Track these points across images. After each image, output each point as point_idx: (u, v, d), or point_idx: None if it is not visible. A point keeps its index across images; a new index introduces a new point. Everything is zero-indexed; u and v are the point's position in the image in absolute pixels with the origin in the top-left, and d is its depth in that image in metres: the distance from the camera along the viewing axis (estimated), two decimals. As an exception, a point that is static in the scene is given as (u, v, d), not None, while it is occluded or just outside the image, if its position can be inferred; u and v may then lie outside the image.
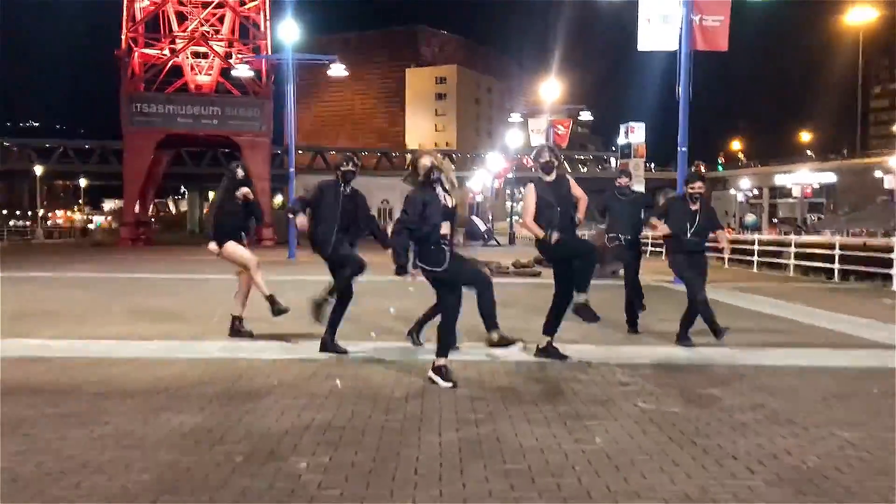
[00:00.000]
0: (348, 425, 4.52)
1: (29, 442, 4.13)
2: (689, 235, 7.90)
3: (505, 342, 5.90)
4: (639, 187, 26.80)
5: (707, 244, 8.33)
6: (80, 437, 4.24)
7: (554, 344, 6.88)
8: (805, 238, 31.87)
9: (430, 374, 5.72)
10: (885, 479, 3.70)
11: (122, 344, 7.30)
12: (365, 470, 3.73)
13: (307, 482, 3.55)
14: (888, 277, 16.29)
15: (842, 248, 19.00)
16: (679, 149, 17.06)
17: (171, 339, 7.61)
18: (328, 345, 6.85)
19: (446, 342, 5.80)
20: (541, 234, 6.54)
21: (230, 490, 3.44)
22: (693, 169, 8.44)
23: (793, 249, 20.97)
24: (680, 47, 16.75)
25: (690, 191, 8.15)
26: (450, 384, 5.56)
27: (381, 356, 6.78)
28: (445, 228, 5.85)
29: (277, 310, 7.43)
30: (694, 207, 8.13)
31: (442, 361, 5.73)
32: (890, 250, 16.58)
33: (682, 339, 7.77)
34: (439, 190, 5.87)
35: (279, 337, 7.63)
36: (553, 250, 6.56)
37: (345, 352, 6.80)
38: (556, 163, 6.71)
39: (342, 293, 6.93)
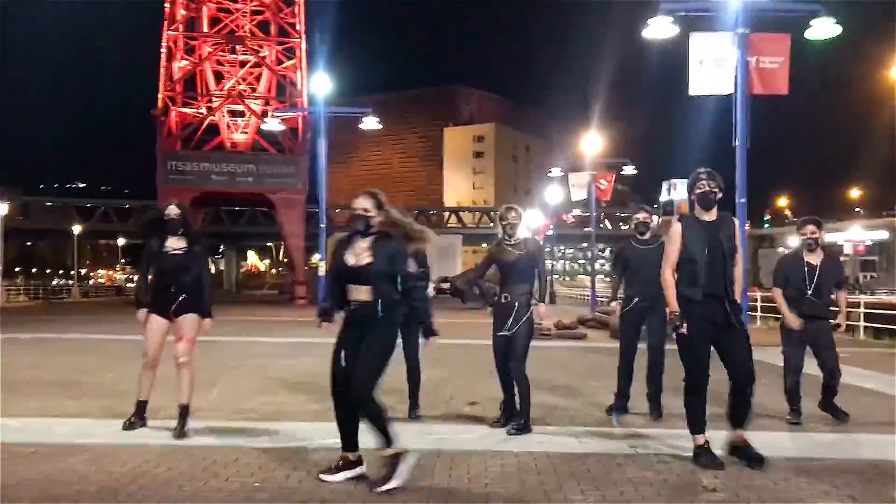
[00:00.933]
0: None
1: None
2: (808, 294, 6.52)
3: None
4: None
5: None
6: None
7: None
8: (873, 298, 30.04)
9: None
10: None
11: (92, 424, 6.13)
12: None
13: None
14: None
15: (915, 307, 17.43)
16: (738, 200, 15.65)
17: (154, 418, 6.43)
18: None
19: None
20: (673, 300, 5.04)
21: None
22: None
23: (862, 310, 19.33)
24: (735, 91, 15.55)
25: (806, 237, 6.67)
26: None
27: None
28: (353, 293, 4.52)
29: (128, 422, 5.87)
30: (813, 261, 6.66)
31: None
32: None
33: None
34: (361, 242, 4.53)
35: (273, 416, 6.41)
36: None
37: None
38: (712, 193, 5.07)
39: None
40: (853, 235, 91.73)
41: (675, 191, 44.90)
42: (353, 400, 4.35)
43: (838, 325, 6.83)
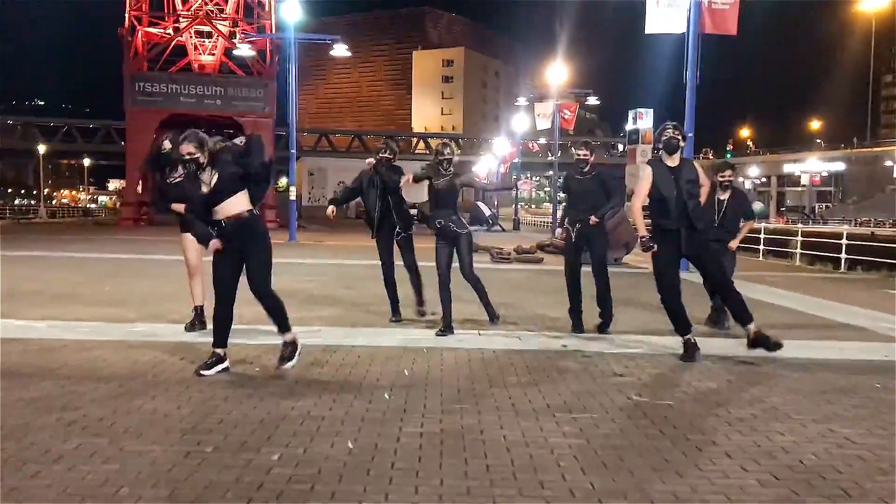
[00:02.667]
0: (328, 415, 4.35)
1: (-7, 428, 3.96)
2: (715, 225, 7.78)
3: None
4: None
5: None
6: (47, 423, 4.08)
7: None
8: (812, 227, 31.59)
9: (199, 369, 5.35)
10: (886, 479, 3.51)
11: (106, 326, 7.13)
12: (339, 463, 3.56)
13: (277, 476, 3.38)
14: (895, 267, 16.09)
15: (849, 237, 18.79)
16: (685, 134, 16.73)
17: (157, 321, 7.43)
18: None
19: (216, 332, 5.43)
20: (643, 229, 6.15)
21: (193, 484, 3.27)
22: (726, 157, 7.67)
23: (799, 238, 20.77)
24: (688, 30, 16.42)
25: (721, 179, 7.91)
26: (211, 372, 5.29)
27: (372, 342, 6.60)
28: (222, 211, 5.25)
29: (192, 325, 6.92)
30: (722, 197, 7.94)
31: (217, 352, 5.40)
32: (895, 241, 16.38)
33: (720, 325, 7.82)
34: (205, 175, 5.25)
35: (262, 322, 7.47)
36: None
37: None
38: (681, 142, 6.18)
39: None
40: (809, 167, 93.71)
41: (641, 120, 45.69)
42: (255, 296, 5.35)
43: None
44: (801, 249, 20.18)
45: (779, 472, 3.57)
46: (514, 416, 4.41)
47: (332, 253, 18.42)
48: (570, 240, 7.48)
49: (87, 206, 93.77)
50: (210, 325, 5.75)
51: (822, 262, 19.39)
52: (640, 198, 6.24)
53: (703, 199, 6.35)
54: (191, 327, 6.88)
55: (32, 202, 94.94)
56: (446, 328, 6.99)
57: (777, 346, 6.01)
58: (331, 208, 8.01)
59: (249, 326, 6.73)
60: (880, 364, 6.24)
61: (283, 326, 5.45)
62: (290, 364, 5.35)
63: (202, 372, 5.28)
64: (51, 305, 8.46)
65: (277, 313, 5.44)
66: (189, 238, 6.81)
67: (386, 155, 7.60)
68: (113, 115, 70.51)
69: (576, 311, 7.46)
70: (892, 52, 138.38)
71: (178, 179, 6.64)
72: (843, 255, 17.78)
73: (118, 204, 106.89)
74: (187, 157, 5.21)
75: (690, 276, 8.53)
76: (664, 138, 6.17)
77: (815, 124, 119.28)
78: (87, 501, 3.07)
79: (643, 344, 6.78)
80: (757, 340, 6.08)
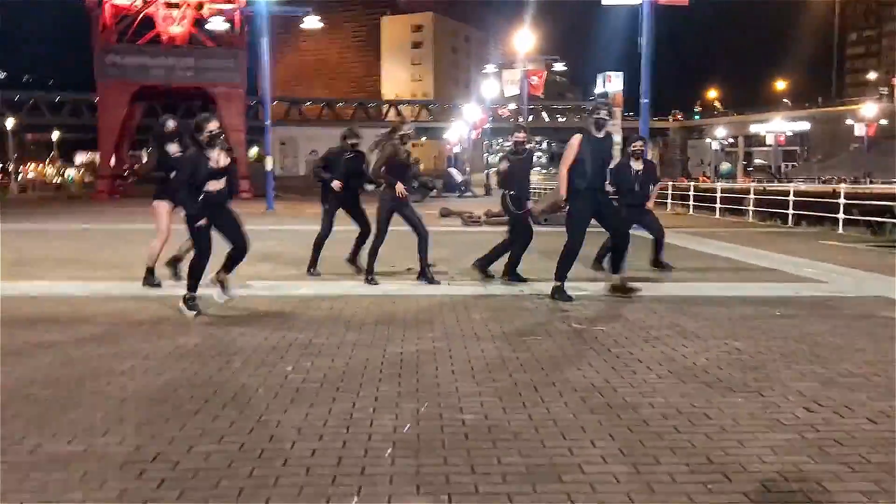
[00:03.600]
0: (325, 342, 5.40)
1: (58, 361, 4.96)
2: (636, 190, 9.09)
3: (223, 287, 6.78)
4: (617, 136, 27.43)
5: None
6: (104, 353, 5.09)
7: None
8: (760, 186, 32.94)
9: (180, 304, 6.47)
10: (753, 372, 4.64)
11: (122, 284, 8.09)
12: (339, 372, 4.62)
13: (293, 380, 4.44)
14: (837, 221, 17.37)
15: (795, 194, 20.05)
16: (641, 100, 17.86)
17: (167, 279, 8.41)
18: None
19: (194, 279, 6.49)
20: (565, 192, 7.23)
21: (229, 386, 4.31)
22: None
23: (752, 197, 22.04)
24: (642, 2, 17.42)
25: (633, 149, 9.20)
26: (194, 313, 6.38)
27: (358, 292, 7.65)
28: (214, 185, 6.39)
29: (147, 282, 7.84)
30: (636, 167, 9.25)
31: (189, 294, 6.48)
32: (837, 196, 17.64)
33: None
34: (214, 152, 6.36)
35: (261, 277, 8.48)
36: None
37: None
38: (606, 120, 7.22)
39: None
40: (775, 127, 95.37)
41: (610, 83, 46.46)
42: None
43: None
44: (754, 207, 21.46)
45: (674, 370, 4.69)
46: (475, 340, 5.49)
47: (312, 221, 19.33)
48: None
49: (59, 180, 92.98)
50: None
51: (773, 218, 20.67)
52: (567, 164, 7.27)
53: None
54: (151, 282, 7.85)
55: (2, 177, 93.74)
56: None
57: (633, 290, 7.38)
58: (337, 182, 8.85)
59: (248, 282, 7.74)
60: (787, 298, 7.40)
61: (228, 268, 6.77)
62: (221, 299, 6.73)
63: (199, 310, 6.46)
64: (63, 270, 9.39)
65: (235, 262, 6.78)
66: (162, 205, 7.84)
67: (352, 140, 8.76)
68: (78, 87, 70.17)
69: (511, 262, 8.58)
70: (856, 11, 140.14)
71: (177, 154, 7.63)
72: (791, 212, 19.04)
73: (86, 178, 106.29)
74: (216, 131, 6.29)
75: (638, 232, 9.63)
76: (595, 117, 7.26)
77: (781, 84, 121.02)
78: (156, 396, 4.09)
79: (589, 289, 7.88)
80: (620, 287, 7.45)
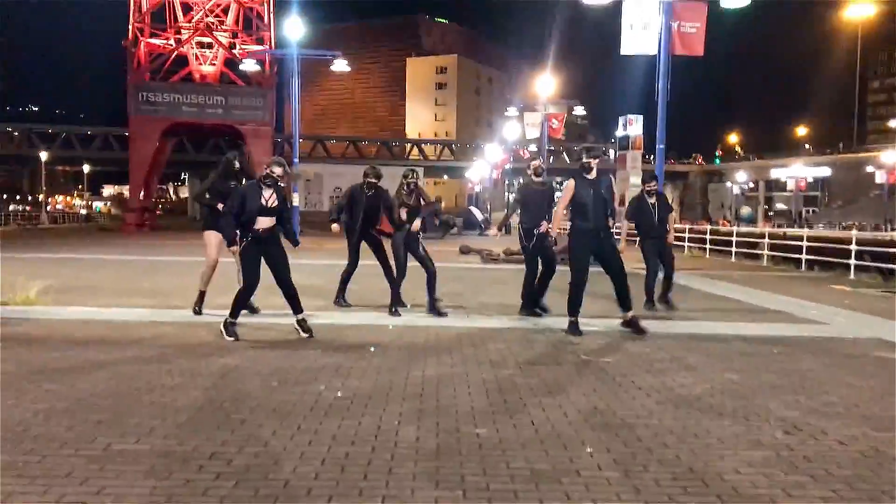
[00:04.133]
0: (355, 365, 5.92)
1: (114, 377, 5.51)
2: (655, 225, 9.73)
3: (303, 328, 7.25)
4: (635, 178, 27.92)
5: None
6: (158, 370, 5.64)
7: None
8: (777, 230, 33.25)
9: (220, 328, 7.07)
10: (743, 401, 5.10)
11: (163, 311, 8.68)
12: (367, 392, 5.13)
13: (325, 398, 4.95)
14: (849, 267, 17.70)
15: (809, 239, 20.41)
16: (657, 146, 18.41)
17: (205, 307, 8.97)
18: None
19: (237, 307, 7.14)
20: (556, 229, 8.22)
21: (271, 400, 4.83)
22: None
23: (766, 241, 22.43)
24: (659, 52, 18.04)
25: (647, 188, 9.79)
26: (232, 338, 6.92)
27: (383, 322, 8.18)
28: (264, 222, 7.02)
29: (196, 310, 8.45)
30: (652, 202, 9.85)
31: (230, 320, 7.08)
32: (850, 242, 17.99)
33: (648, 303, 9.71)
34: (267, 192, 7.01)
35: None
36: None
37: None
38: (591, 164, 7.79)
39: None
40: (796, 172, 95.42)
41: (631, 126, 46.98)
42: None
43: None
44: (769, 251, 21.84)
45: (671, 398, 5.16)
46: (490, 367, 5.99)
47: (333, 255, 19.96)
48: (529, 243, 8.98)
49: (86, 211, 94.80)
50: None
51: (788, 262, 21.02)
52: (562, 205, 8.05)
53: (616, 203, 8.05)
54: (199, 311, 8.43)
55: (27, 208, 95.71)
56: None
57: (643, 331, 7.75)
58: (335, 225, 9.55)
59: (281, 311, 8.28)
60: (787, 338, 7.83)
61: (297, 309, 7.28)
62: (306, 335, 7.14)
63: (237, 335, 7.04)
64: (106, 297, 10.01)
65: (294, 300, 7.29)
66: (211, 235, 8.45)
67: (371, 179, 9.24)
68: (109, 121, 71.86)
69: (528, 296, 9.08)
70: (878, 59, 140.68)
71: (233, 186, 8.30)
72: (804, 256, 19.40)
73: (112, 210, 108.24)
74: (277, 177, 6.99)
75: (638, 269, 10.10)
76: (580, 164, 7.95)
77: (802, 130, 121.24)
78: (207, 406, 4.61)
79: (598, 324, 8.35)
80: (629, 323, 7.87)
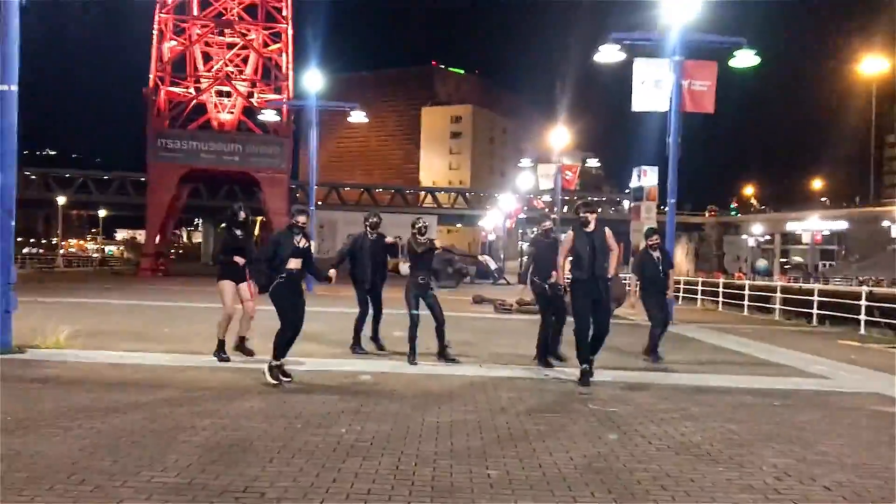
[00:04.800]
0: (373, 410, 6.27)
1: (149, 417, 5.88)
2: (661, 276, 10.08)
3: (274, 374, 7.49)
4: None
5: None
6: (183, 411, 6.01)
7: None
8: (791, 285, 33.41)
9: (264, 369, 7.48)
10: (740, 449, 5.41)
11: (188, 356, 9.07)
12: (385, 435, 5.47)
13: (346, 439, 5.30)
14: (859, 322, 17.90)
15: (821, 294, 20.64)
16: (668, 200, 18.82)
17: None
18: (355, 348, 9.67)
19: (280, 349, 7.56)
20: (561, 277, 8.46)
21: (295, 441, 5.18)
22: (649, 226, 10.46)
23: (779, 295, 22.64)
24: (670, 109, 18.55)
25: (650, 242, 10.19)
26: (276, 382, 7.34)
27: (399, 370, 8.54)
28: (294, 264, 7.62)
29: (220, 356, 8.76)
30: (655, 255, 10.23)
31: (274, 363, 7.50)
32: (859, 298, 18.21)
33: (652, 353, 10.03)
34: (297, 236, 7.66)
35: (309, 354, 9.42)
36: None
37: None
38: (588, 218, 8.16)
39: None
40: (812, 225, 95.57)
41: (645, 177, 47.41)
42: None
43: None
44: (781, 305, 22.06)
45: (672, 445, 5.47)
46: (502, 414, 6.32)
47: (348, 303, 20.35)
48: (543, 294, 9.42)
49: (100, 255, 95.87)
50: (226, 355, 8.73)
51: (799, 316, 21.23)
52: (563, 254, 8.47)
53: (613, 261, 8.31)
54: (223, 357, 8.78)
55: (41, 251, 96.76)
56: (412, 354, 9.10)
57: (586, 384, 7.92)
58: (332, 271, 9.97)
59: (301, 358, 8.68)
60: (788, 391, 8.11)
61: (281, 354, 7.63)
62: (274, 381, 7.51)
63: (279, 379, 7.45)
64: (129, 341, 10.43)
65: (290, 345, 7.75)
66: (227, 284, 8.88)
67: (374, 220, 9.98)
68: (125, 166, 72.99)
69: (544, 346, 9.44)
70: (894, 113, 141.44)
71: (240, 236, 8.76)
72: (815, 311, 19.62)
73: (125, 253, 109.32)
74: (301, 224, 7.67)
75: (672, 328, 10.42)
76: (579, 216, 8.30)
77: (818, 183, 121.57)
78: (233, 448, 4.97)
79: (610, 375, 8.66)
80: (583, 376, 8.03)
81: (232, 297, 8.91)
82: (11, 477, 4.20)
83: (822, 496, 4.36)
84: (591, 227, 8.23)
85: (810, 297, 20.26)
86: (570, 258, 8.32)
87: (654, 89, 19.05)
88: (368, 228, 9.95)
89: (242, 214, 9.02)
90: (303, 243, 7.71)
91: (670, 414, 6.59)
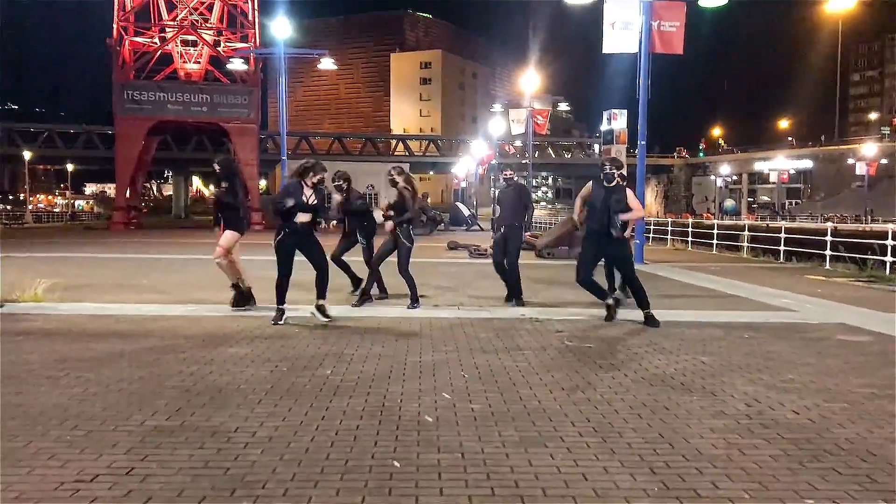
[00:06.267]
0: (357, 352, 6.41)
1: (135, 365, 5.97)
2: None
3: (323, 313, 8.10)
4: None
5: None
6: (172, 360, 6.11)
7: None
8: (755, 223, 33.95)
9: (313, 309, 8.06)
10: (711, 379, 5.63)
11: (168, 307, 9.13)
12: (369, 374, 5.61)
13: (332, 381, 5.43)
14: (825, 257, 18.34)
15: (787, 231, 21.04)
16: (639, 142, 18.98)
17: (206, 303, 9.41)
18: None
19: (279, 294, 8.01)
20: (578, 216, 8.57)
21: (281, 385, 5.31)
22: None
23: (746, 233, 23.07)
24: (640, 51, 18.56)
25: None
26: (326, 319, 7.94)
27: (382, 314, 8.67)
28: (302, 217, 7.81)
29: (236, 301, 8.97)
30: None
31: (280, 307, 7.98)
32: (824, 234, 18.63)
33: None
34: (308, 190, 7.85)
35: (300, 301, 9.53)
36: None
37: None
38: (613, 174, 8.18)
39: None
40: (779, 164, 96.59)
41: (616, 120, 47.40)
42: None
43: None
44: (749, 243, 22.47)
45: (646, 377, 5.68)
46: (482, 353, 6.49)
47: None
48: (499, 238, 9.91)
49: (71, 210, 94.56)
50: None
51: (767, 254, 21.64)
52: (581, 198, 8.59)
53: (633, 215, 8.44)
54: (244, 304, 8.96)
55: (9, 207, 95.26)
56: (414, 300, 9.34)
57: (655, 323, 8.19)
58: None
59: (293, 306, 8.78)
60: (757, 324, 8.38)
61: (320, 294, 8.10)
62: (326, 320, 7.94)
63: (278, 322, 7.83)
64: (111, 293, 10.43)
65: (323, 285, 8.14)
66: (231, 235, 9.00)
67: (339, 183, 10.02)
68: (92, 119, 71.71)
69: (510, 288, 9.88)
70: (858, 51, 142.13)
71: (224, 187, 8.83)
72: (782, 248, 20.03)
73: (95, 207, 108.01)
74: (317, 180, 7.92)
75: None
76: (603, 172, 8.32)
77: (784, 123, 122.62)
78: (224, 391, 5.08)
79: (584, 314, 8.87)
80: (648, 320, 8.27)
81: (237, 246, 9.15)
82: (4, 425, 4.28)
83: (789, 419, 4.58)
84: (612, 183, 8.28)
85: (777, 235, 20.68)
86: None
87: (623, 31, 19.01)
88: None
89: (217, 168, 9.05)
90: (312, 199, 7.87)
91: (643, 349, 6.81)
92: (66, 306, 9.00)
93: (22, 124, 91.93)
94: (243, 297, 8.96)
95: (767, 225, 31.28)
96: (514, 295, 9.76)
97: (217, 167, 9.00)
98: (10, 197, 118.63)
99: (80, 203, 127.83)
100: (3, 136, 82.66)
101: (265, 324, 7.86)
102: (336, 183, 9.94)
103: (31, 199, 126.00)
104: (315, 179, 7.97)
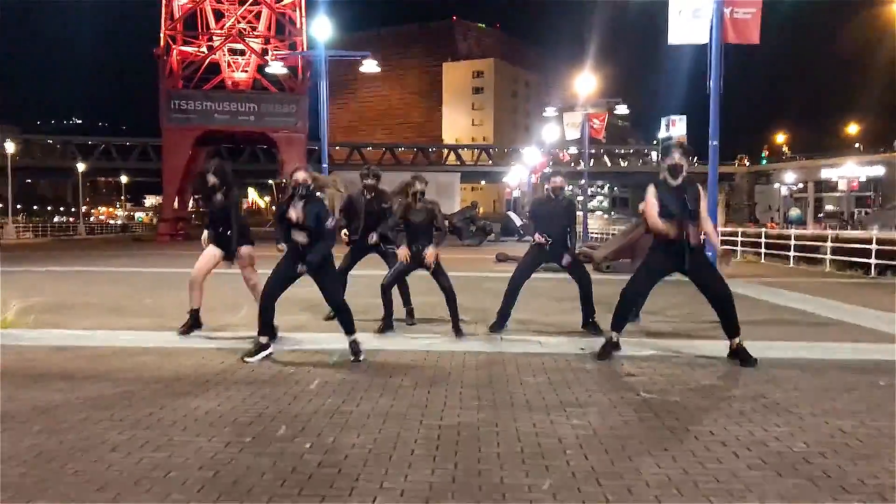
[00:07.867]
0: (355, 410, 4.72)
1: (56, 422, 4.40)
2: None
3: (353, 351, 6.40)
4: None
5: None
6: (104, 418, 4.51)
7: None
8: (842, 233, 31.41)
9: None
10: (865, 463, 3.79)
11: (149, 334, 7.60)
12: (364, 451, 3.93)
13: (308, 461, 3.76)
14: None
15: (879, 242, 18.74)
16: (710, 143, 16.97)
17: (198, 331, 7.87)
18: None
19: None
20: (669, 230, 6.15)
21: (234, 468, 3.66)
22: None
23: (829, 244, 20.77)
24: (711, 41, 16.62)
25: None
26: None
27: (398, 346, 6.98)
28: (297, 236, 6.30)
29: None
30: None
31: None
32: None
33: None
34: (298, 203, 6.28)
35: (297, 329, 7.89)
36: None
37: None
38: (683, 165, 6.22)
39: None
40: (847, 172, 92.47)
41: (674, 126, 45.58)
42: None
43: None
44: (832, 255, 20.21)
45: (768, 458, 3.87)
46: (527, 412, 4.74)
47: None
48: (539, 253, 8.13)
49: (125, 222, 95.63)
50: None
51: (853, 267, 19.37)
52: (654, 209, 6.23)
53: (710, 227, 6.49)
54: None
55: (70, 219, 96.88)
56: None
57: (753, 361, 6.28)
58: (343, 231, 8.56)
59: (282, 334, 7.16)
60: (888, 362, 6.44)
61: (348, 330, 6.48)
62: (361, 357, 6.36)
63: (247, 360, 6.21)
64: (98, 316, 8.98)
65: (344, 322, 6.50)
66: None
67: (370, 182, 8.36)
68: (148, 132, 72.01)
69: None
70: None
71: (218, 199, 7.30)
72: (874, 261, 17.78)
73: (153, 219, 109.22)
74: (301, 183, 6.25)
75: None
76: (668, 164, 6.28)
77: (853, 129, 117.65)
78: (142, 481, 3.47)
79: (659, 347, 7.06)
80: (736, 352, 6.40)
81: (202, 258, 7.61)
82: None
83: None
84: (680, 178, 6.25)
85: (867, 247, 18.41)
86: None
87: (691, 19, 17.10)
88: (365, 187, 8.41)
89: (210, 180, 7.50)
90: (293, 214, 6.26)
91: (748, 404, 4.98)
92: (33, 334, 7.53)
93: (79, 137, 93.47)
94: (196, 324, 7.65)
95: (855, 236, 28.61)
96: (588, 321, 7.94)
97: (211, 176, 7.48)
98: (73, 210, 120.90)
99: (139, 215, 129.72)
100: (63, 150, 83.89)
101: (261, 364, 6.24)
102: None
103: (92, 211, 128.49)
104: (298, 180, 6.36)
